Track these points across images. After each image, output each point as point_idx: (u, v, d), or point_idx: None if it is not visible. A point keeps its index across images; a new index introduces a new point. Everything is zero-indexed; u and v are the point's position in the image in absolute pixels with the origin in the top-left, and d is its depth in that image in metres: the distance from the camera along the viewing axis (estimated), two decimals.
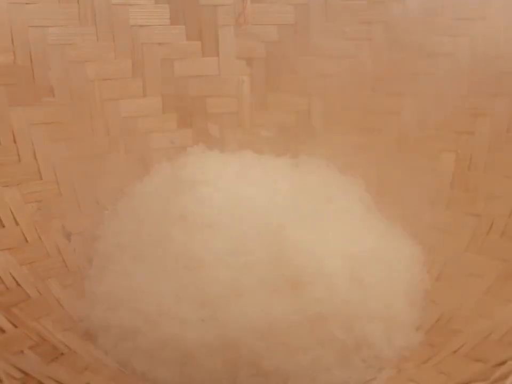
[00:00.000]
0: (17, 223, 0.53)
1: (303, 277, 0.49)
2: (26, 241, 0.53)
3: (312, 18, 0.64)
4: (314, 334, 0.48)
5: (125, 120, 0.64)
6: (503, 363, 0.35)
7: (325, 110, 0.66)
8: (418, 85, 0.61)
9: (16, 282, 0.50)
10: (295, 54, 0.66)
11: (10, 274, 0.50)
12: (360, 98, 0.64)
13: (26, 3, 0.56)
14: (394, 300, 0.51)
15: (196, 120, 0.67)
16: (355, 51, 0.64)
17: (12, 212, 0.53)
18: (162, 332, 0.48)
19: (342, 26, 0.64)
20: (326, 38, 0.64)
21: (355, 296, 0.49)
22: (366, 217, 0.59)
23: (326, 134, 0.66)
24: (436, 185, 0.59)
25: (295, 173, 0.62)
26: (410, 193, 0.60)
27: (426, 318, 0.51)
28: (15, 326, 0.44)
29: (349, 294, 0.49)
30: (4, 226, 0.52)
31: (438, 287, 0.54)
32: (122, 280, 0.52)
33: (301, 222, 0.54)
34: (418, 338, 0.49)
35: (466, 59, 0.58)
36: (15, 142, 0.55)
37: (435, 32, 0.60)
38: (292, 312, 0.47)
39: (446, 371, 0.42)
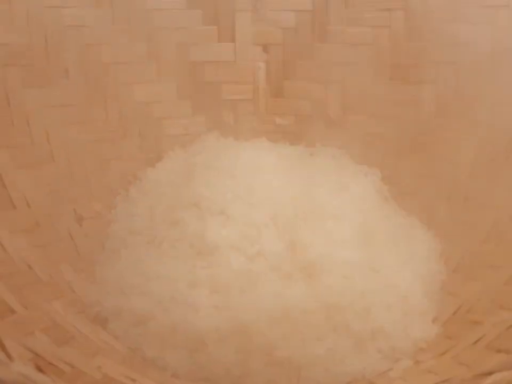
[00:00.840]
0: (29, 206, 0.53)
1: (318, 265, 0.49)
2: (38, 224, 0.53)
3: (330, 4, 0.63)
4: (329, 323, 0.47)
5: (139, 105, 0.63)
6: None
7: (342, 98, 0.65)
8: (438, 73, 0.60)
9: (27, 264, 0.49)
10: (312, 41, 0.65)
11: (22, 256, 0.49)
12: (378, 87, 0.63)
13: None
14: (411, 291, 0.50)
15: (210, 106, 0.66)
16: (374, 38, 0.63)
17: (24, 195, 0.53)
18: (174, 318, 0.47)
19: (361, 13, 0.63)
20: (345, 24, 0.63)
21: (371, 286, 0.49)
22: (383, 207, 0.58)
23: (342, 123, 0.65)
24: (454, 176, 0.58)
25: (310, 162, 0.61)
26: (427, 184, 0.60)
27: (444, 310, 0.50)
28: (26, 308, 0.44)
29: (365, 283, 0.48)
30: (15, 208, 0.52)
31: (455, 279, 0.53)
32: (134, 265, 0.52)
33: (316, 210, 0.53)
34: (435, 329, 0.49)
35: (488, 48, 0.57)
36: (28, 123, 0.55)
37: (456, 20, 0.58)
38: (306, 300, 0.47)
39: (466, 362, 0.41)
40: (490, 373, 0.33)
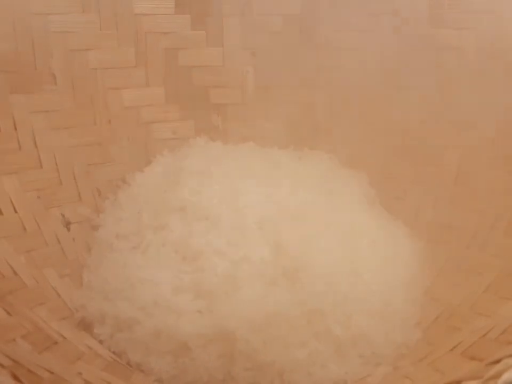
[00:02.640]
0: (16, 211, 0.53)
1: (301, 270, 0.49)
2: (25, 229, 0.53)
3: (318, 9, 0.64)
4: (311, 328, 0.47)
5: (127, 110, 0.63)
6: (497, 361, 0.34)
7: (329, 102, 0.65)
8: (424, 78, 0.60)
9: (13, 270, 0.49)
10: (300, 45, 0.65)
11: (7, 262, 0.49)
12: (365, 92, 0.63)
13: None
14: (394, 296, 0.51)
15: (198, 111, 0.66)
16: (361, 43, 0.63)
17: (11, 200, 0.53)
18: (159, 323, 0.48)
19: (348, 17, 0.63)
20: (332, 29, 0.64)
21: (354, 291, 0.49)
22: (368, 211, 0.58)
23: (329, 127, 0.66)
24: (439, 181, 0.58)
25: (297, 166, 0.61)
26: (413, 188, 0.60)
27: (426, 315, 0.51)
28: (9, 314, 0.44)
29: (347, 288, 0.49)
30: (2, 214, 0.52)
31: (438, 284, 0.53)
32: (120, 270, 0.52)
33: (301, 215, 0.53)
34: (416, 335, 0.49)
35: (473, 52, 0.57)
36: (15, 129, 0.55)
37: (442, 25, 0.59)
38: (289, 306, 0.47)
39: (441, 369, 0.41)
40: (460, 381, 0.34)
